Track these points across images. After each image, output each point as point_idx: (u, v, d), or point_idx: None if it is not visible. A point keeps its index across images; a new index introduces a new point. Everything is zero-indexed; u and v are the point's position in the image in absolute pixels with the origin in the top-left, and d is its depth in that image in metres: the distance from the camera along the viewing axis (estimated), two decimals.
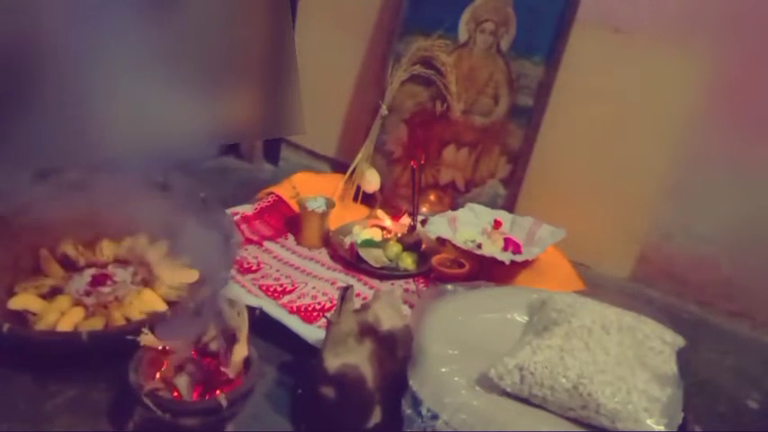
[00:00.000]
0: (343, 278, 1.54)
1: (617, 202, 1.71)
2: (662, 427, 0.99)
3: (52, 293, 1.40)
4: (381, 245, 1.63)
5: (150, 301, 1.39)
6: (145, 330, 1.13)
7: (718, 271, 1.61)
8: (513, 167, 1.76)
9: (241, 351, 1.14)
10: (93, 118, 1.38)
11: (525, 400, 1.05)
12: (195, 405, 1.12)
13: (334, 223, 1.70)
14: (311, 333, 1.34)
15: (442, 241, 1.61)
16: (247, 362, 1.15)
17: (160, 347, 1.13)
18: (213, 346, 1.17)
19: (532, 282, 1.47)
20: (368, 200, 1.86)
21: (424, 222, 1.70)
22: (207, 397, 1.13)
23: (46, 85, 1.30)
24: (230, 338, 1.16)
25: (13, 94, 1.28)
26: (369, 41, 1.97)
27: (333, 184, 1.85)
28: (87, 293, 1.42)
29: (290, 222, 1.73)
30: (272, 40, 1.56)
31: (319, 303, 1.43)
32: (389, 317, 1.17)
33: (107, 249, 1.52)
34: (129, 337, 1.12)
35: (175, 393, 1.12)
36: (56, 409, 1.18)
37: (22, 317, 1.33)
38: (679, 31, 1.58)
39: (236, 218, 1.67)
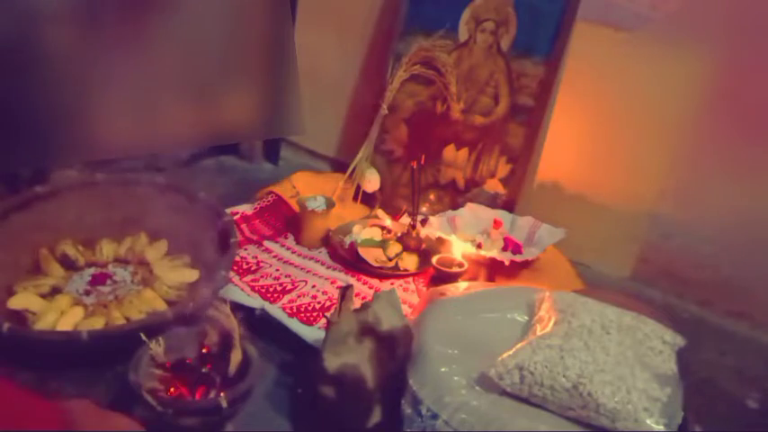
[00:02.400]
0: (343, 278, 1.54)
1: (617, 201, 1.71)
2: (662, 427, 0.99)
3: (52, 293, 1.40)
4: (381, 244, 1.63)
5: (150, 301, 1.39)
6: (158, 342, 1.14)
7: (718, 271, 1.61)
8: (513, 167, 1.76)
9: (236, 353, 1.15)
10: (93, 118, 1.38)
11: (525, 400, 1.05)
12: (195, 405, 1.12)
13: (334, 223, 1.69)
14: (311, 333, 1.34)
15: (441, 241, 1.61)
16: (247, 362, 1.15)
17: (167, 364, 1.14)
18: (213, 350, 1.17)
19: (532, 282, 1.47)
20: (368, 199, 1.86)
21: (424, 222, 1.70)
22: (207, 397, 1.13)
23: (46, 84, 1.30)
24: (227, 340, 1.16)
25: (13, 93, 1.28)
26: (369, 41, 1.97)
27: (333, 183, 1.84)
28: (87, 293, 1.42)
29: (289, 222, 1.73)
30: (272, 40, 1.56)
31: (319, 303, 1.43)
32: (389, 317, 1.17)
33: (107, 249, 1.52)
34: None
35: (174, 391, 1.13)
36: None
37: (21, 316, 1.33)
38: (680, 31, 1.57)
39: (235, 217, 1.66)
